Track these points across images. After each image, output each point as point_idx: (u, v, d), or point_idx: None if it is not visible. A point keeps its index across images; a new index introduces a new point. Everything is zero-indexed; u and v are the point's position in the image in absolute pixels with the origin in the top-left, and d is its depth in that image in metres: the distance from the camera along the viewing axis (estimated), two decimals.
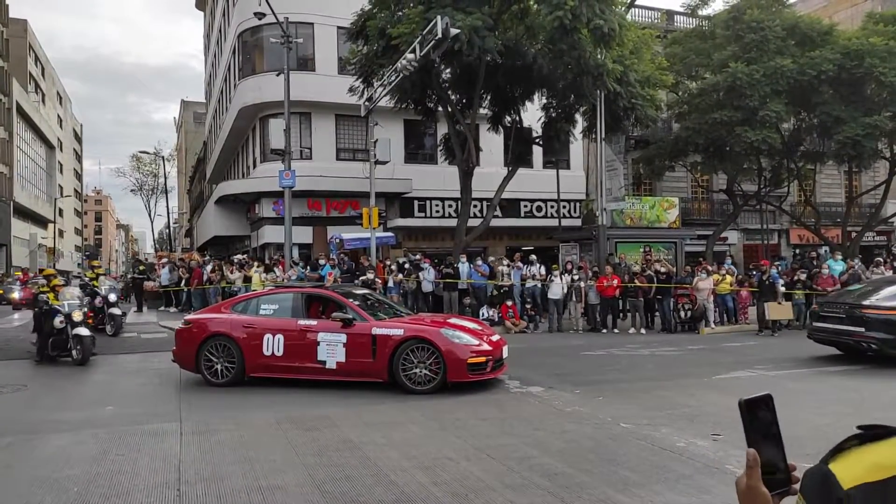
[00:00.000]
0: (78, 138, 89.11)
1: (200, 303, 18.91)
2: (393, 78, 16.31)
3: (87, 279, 16.85)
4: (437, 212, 24.40)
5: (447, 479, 4.95)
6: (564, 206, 24.92)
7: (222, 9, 32.07)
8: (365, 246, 19.01)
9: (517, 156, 20.08)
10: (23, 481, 5.09)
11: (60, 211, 69.99)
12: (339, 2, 21.69)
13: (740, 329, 16.32)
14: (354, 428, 6.57)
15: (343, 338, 8.63)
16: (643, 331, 15.93)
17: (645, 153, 25.05)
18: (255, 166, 25.82)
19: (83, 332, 10.97)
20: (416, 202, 24.19)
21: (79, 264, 76.86)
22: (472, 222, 20.03)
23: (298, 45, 20.49)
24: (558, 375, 9.70)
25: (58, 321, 10.95)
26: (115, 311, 14.92)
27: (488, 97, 19.34)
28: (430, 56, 15.01)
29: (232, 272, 19.03)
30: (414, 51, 14.81)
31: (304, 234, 22.30)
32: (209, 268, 20.43)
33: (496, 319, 15.92)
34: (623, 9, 18.09)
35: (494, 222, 21.48)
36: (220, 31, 33.36)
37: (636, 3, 23.00)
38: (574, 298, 16.55)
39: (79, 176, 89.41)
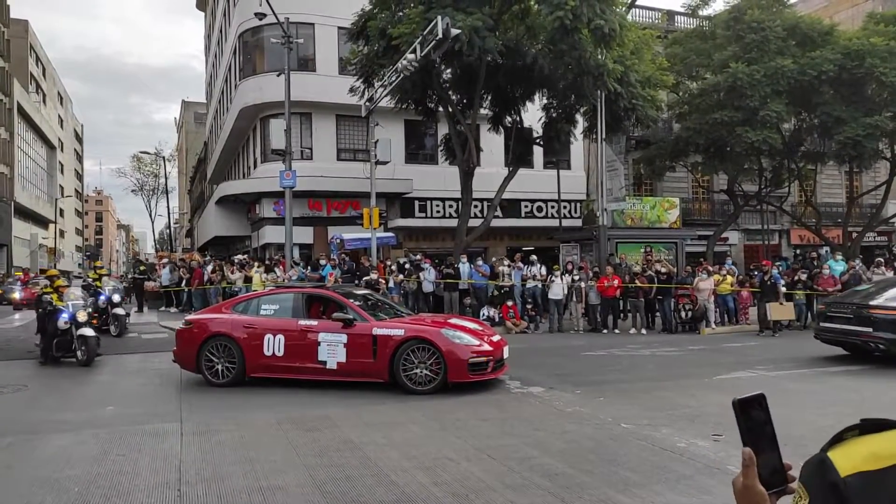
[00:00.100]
0: (79, 139, 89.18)
1: (201, 303, 18.91)
2: (393, 78, 16.31)
3: (90, 280, 16.80)
4: (438, 212, 24.40)
5: (448, 480, 4.95)
6: (565, 207, 24.92)
7: (223, 9, 32.09)
8: (365, 246, 19.02)
9: (518, 156, 20.08)
10: (23, 481, 5.09)
11: (61, 211, 70.04)
12: (339, 2, 21.69)
13: (741, 329, 16.32)
14: (355, 428, 6.57)
15: (344, 338, 8.63)
16: (644, 331, 15.93)
17: (645, 153, 25.04)
18: (255, 166, 25.82)
19: (88, 332, 10.89)
20: (416, 202, 24.19)
21: (79, 264, 76.94)
22: (473, 223, 20.03)
23: (299, 45, 20.49)
24: (559, 376, 9.70)
25: (62, 322, 10.88)
26: (119, 311, 14.85)
27: (489, 97, 19.34)
28: (431, 56, 15.02)
29: (233, 272, 19.03)
30: (414, 51, 14.81)
31: (304, 235, 22.30)
32: (210, 268, 20.44)
33: (497, 319, 15.92)
34: (624, 9, 18.10)
35: (495, 223, 21.49)
36: (221, 31, 33.37)
37: (637, 3, 23.00)
38: (575, 299, 16.55)
39: (80, 176, 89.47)
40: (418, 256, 18.66)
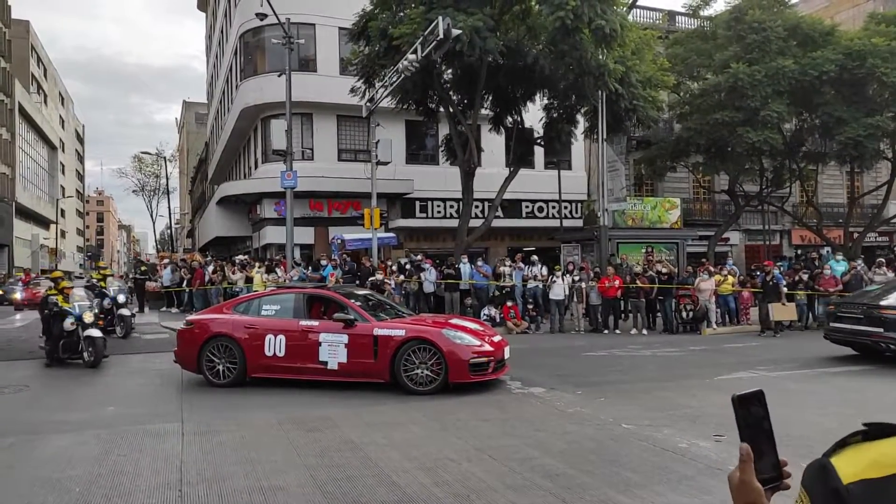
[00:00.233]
0: (80, 139, 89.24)
1: (202, 303, 18.91)
2: (394, 79, 16.32)
3: (94, 280, 16.70)
4: (439, 212, 24.40)
5: (449, 480, 4.95)
6: (566, 207, 24.92)
7: (224, 10, 32.11)
8: (366, 247, 19.02)
9: (519, 156, 20.08)
10: (25, 482, 5.09)
11: (62, 212, 70.12)
12: (340, 2, 21.70)
13: (742, 330, 16.31)
14: (356, 429, 6.57)
15: (345, 338, 8.63)
16: (645, 331, 15.92)
17: (646, 154, 25.04)
18: (256, 167, 25.83)
19: (95, 333, 10.80)
20: (417, 203, 24.20)
21: (80, 265, 77.02)
22: (474, 223, 20.03)
23: (300, 45, 20.50)
24: (560, 376, 9.70)
25: (68, 323, 10.80)
26: (125, 311, 14.73)
27: (490, 98, 19.34)
28: (432, 57, 15.02)
29: (234, 273, 19.04)
30: (415, 51, 14.81)
31: (305, 235, 22.31)
32: (211, 268, 20.44)
33: (498, 320, 15.92)
34: (624, 9, 18.09)
35: (496, 223, 21.49)
36: (222, 31, 33.40)
37: (638, 3, 22.99)
38: (575, 299, 16.54)
39: (81, 177, 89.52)
40: (419, 257, 18.66)
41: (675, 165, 24.39)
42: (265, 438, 6.29)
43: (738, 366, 10.55)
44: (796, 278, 16.36)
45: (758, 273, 16.89)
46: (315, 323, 8.98)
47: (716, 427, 6.38)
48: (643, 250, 19.64)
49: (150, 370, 10.66)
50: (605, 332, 16.01)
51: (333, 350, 8.64)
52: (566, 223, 24.13)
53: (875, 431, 0.99)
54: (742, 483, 1.07)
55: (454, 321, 9.65)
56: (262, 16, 18.48)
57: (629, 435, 6.26)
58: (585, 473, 5.09)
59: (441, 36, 13.77)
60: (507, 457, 5.54)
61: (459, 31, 14.13)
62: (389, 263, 18.62)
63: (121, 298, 14.94)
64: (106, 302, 14.37)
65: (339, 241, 20.00)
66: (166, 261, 24.98)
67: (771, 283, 15.48)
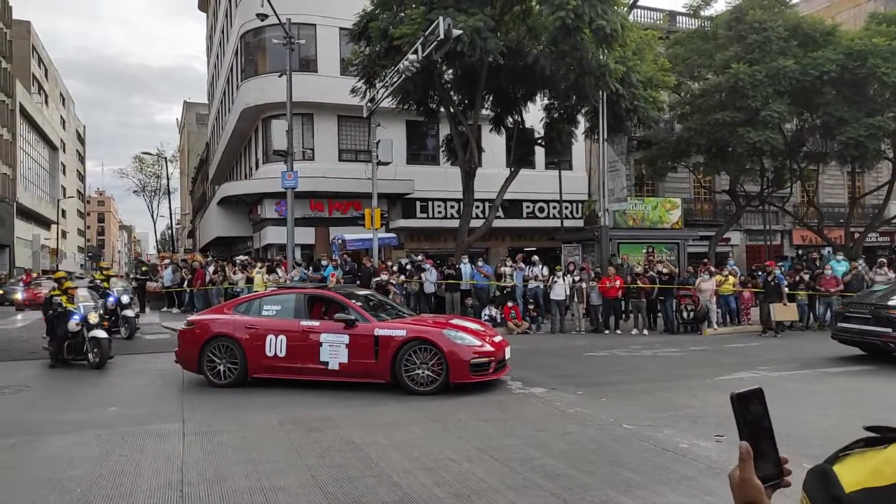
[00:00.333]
0: (81, 139, 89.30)
1: (203, 304, 18.92)
2: (395, 79, 16.32)
3: (98, 281, 16.58)
4: (440, 213, 24.40)
5: (449, 480, 4.95)
6: (567, 207, 24.91)
7: (225, 10, 32.12)
8: (367, 247, 19.02)
9: (519, 157, 20.07)
10: (26, 482, 5.10)
11: (63, 212, 70.15)
12: (340, 3, 21.70)
13: (743, 330, 16.30)
14: (357, 429, 6.57)
15: (346, 339, 8.63)
16: (646, 332, 15.91)
17: (647, 154, 25.03)
18: (257, 167, 25.84)
19: (100, 334, 10.71)
20: (418, 203, 24.20)
21: (81, 265, 77.04)
22: (475, 223, 20.02)
23: (301, 46, 20.50)
24: (561, 376, 9.70)
25: (73, 324, 10.71)
26: (129, 312, 14.63)
27: (490, 98, 19.33)
28: (433, 57, 15.02)
29: (234, 273, 19.05)
30: (416, 52, 14.81)
31: (306, 235, 22.32)
32: (212, 269, 20.45)
33: (498, 320, 15.92)
34: (625, 9, 18.09)
35: (496, 223, 21.48)
36: (223, 32, 33.42)
37: (638, 3, 22.99)
38: (576, 299, 16.54)
39: (82, 177, 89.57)
40: (420, 257, 18.66)
41: (675, 165, 24.38)
42: (266, 439, 6.29)
43: (739, 366, 10.54)
44: (797, 278, 16.35)
45: (760, 273, 16.89)
46: (316, 323, 8.98)
47: (716, 427, 6.37)
48: (644, 250, 19.63)
49: (151, 370, 10.66)
50: (606, 332, 16.00)
51: (334, 350, 8.65)
52: (567, 223, 24.13)
53: (877, 439, 0.99)
54: (742, 481, 1.07)
55: (455, 321, 9.65)
56: (262, 16, 18.49)
57: (630, 435, 6.26)
58: (586, 474, 5.09)
59: (442, 36, 13.77)
60: (508, 457, 5.54)
61: (460, 32, 14.13)
62: (390, 264, 18.62)
63: (125, 299, 14.83)
64: (110, 302, 14.28)
65: (339, 242, 20.00)
66: (167, 261, 25.00)
67: (773, 283, 15.47)
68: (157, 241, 74.53)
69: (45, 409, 7.84)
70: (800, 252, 28.59)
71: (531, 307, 16.57)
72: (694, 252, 23.20)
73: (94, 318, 10.94)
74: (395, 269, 17.66)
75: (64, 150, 70.89)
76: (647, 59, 18.64)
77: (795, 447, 5.05)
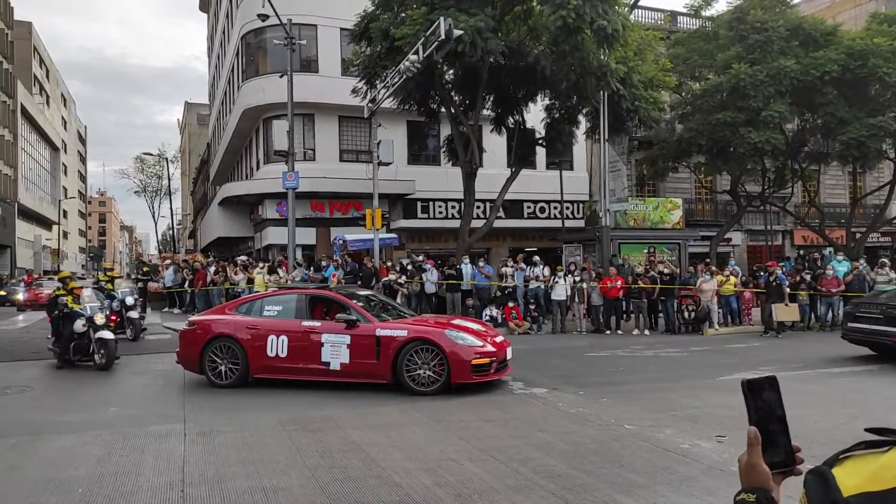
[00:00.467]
0: (82, 140, 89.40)
1: (204, 304, 18.93)
2: (396, 79, 16.32)
3: (102, 282, 16.47)
4: (441, 213, 24.41)
5: (451, 481, 4.95)
6: (568, 208, 24.89)
7: (226, 11, 32.15)
8: (368, 247, 19.02)
9: (520, 157, 20.07)
10: (27, 482, 5.10)
11: (65, 213, 70.24)
12: (341, 3, 21.71)
13: (744, 330, 16.29)
14: (358, 429, 6.57)
15: (347, 339, 8.63)
16: (647, 332, 15.90)
17: (648, 154, 25.02)
18: (258, 168, 25.86)
19: (107, 335, 10.63)
20: (419, 203, 24.21)
21: (83, 266, 77.09)
22: (476, 223, 20.02)
23: (301, 46, 20.51)
24: (562, 377, 9.69)
25: (79, 325, 10.64)
26: (133, 314, 14.54)
27: (491, 98, 19.33)
28: (434, 57, 15.01)
29: (236, 273, 19.05)
30: (417, 52, 14.81)
31: (307, 236, 22.33)
32: (213, 269, 20.45)
33: (499, 320, 15.92)
34: (626, 9, 18.08)
35: (497, 223, 21.48)
36: (224, 32, 33.44)
37: (639, 4, 22.98)
38: (577, 300, 16.53)
39: (83, 178, 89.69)
40: (421, 257, 18.67)
41: (676, 166, 24.38)
42: (267, 439, 6.29)
43: (740, 366, 10.53)
44: (798, 279, 16.34)
45: (761, 273, 16.88)
46: (317, 324, 8.98)
47: (718, 428, 6.37)
48: (645, 251, 19.62)
49: (152, 371, 10.66)
50: (607, 332, 15.99)
51: (336, 351, 8.65)
52: (568, 224, 24.12)
53: (877, 442, 0.99)
54: (749, 465, 1.10)
55: (456, 322, 9.65)
56: (263, 17, 18.50)
57: (631, 436, 6.26)
58: (587, 474, 5.09)
59: (443, 36, 13.76)
60: (510, 457, 5.54)
61: (461, 32, 14.12)
62: (390, 264, 18.63)
63: (129, 301, 14.76)
64: (114, 304, 14.12)
65: (340, 242, 20.01)
66: (168, 261, 24.99)
67: (774, 283, 15.46)
68: (158, 242, 74.59)
69: (46, 410, 7.84)
70: (801, 252, 28.58)
71: (532, 307, 16.57)
72: (695, 252, 23.19)
73: (100, 319, 10.85)
74: (397, 269, 17.68)
75: (65, 151, 70.98)
76: (648, 60, 18.63)
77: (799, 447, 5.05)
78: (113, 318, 12.91)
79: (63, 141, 69.55)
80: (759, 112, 19.45)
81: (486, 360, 8.47)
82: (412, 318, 9.80)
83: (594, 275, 16.83)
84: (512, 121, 19.91)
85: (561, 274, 16.71)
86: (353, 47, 19.95)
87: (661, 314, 16.84)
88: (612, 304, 16.22)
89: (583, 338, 15.40)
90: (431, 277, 17.13)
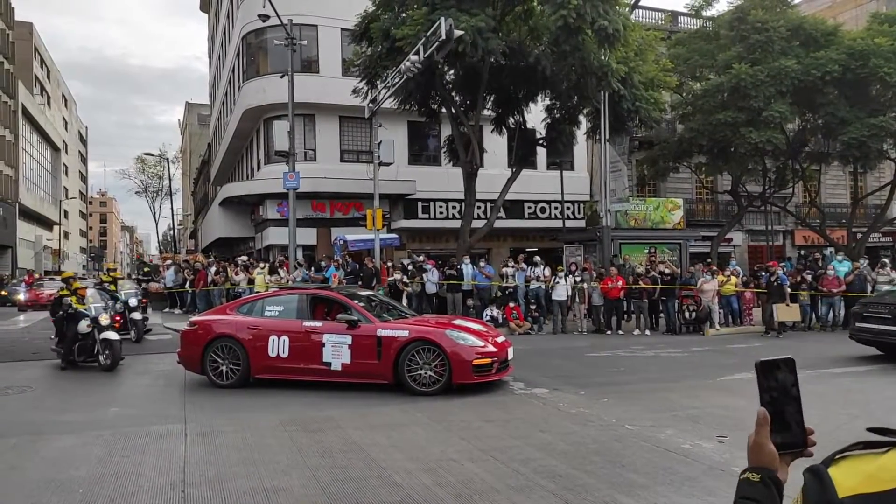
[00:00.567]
0: (83, 140, 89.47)
1: (205, 304, 18.94)
2: (397, 80, 16.33)
3: (105, 283, 16.40)
4: (441, 213, 24.41)
5: (451, 481, 4.95)
6: (568, 208, 24.88)
7: (226, 11, 32.17)
8: (369, 248, 19.03)
9: (521, 157, 20.06)
10: (28, 482, 5.10)
11: (66, 213, 70.27)
12: (342, 4, 21.72)
13: (745, 331, 16.28)
14: (359, 430, 6.57)
15: (348, 339, 8.63)
16: (647, 332, 15.90)
17: (649, 154, 25.02)
18: (259, 168, 25.87)
19: (112, 336, 10.56)
20: (419, 203, 24.21)
21: (84, 266, 77.13)
22: (476, 224, 20.02)
23: (302, 47, 20.52)
24: (563, 377, 9.69)
25: (84, 325, 10.56)
26: (136, 315, 14.48)
27: (492, 98, 19.33)
28: (434, 58, 15.01)
29: (236, 274, 19.06)
30: (418, 52, 14.80)
31: (308, 236, 22.34)
32: (213, 269, 20.46)
33: (500, 320, 15.92)
34: (627, 9, 18.08)
35: (498, 224, 21.48)
36: (225, 33, 33.46)
37: (640, 4, 22.98)
38: (578, 300, 16.53)
39: (84, 178, 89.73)
40: (421, 258, 18.67)
41: (677, 166, 24.37)
42: (268, 439, 6.29)
43: (741, 367, 10.52)
44: (799, 279, 16.34)
45: (762, 273, 16.87)
46: (318, 324, 8.98)
47: (719, 428, 6.37)
48: (646, 251, 19.61)
49: (153, 371, 10.66)
50: (608, 332, 15.99)
51: (337, 351, 8.65)
52: (569, 224, 24.12)
53: (875, 443, 0.98)
54: (756, 444, 1.12)
55: (458, 322, 9.65)
56: (264, 17, 18.50)
57: (632, 436, 6.26)
58: (588, 474, 5.08)
59: (443, 37, 13.76)
60: (510, 458, 5.54)
61: (462, 32, 14.12)
62: (391, 265, 18.63)
63: (132, 302, 14.73)
64: (118, 306, 14.01)
65: (341, 243, 20.01)
66: (169, 262, 25.01)
67: (775, 283, 15.46)
68: (159, 242, 74.67)
69: (47, 410, 7.84)
70: (802, 252, 28.58)
71: (533, 308, 16.57)
72: (696, 252, 23.19)
73: (105, 319, 10.77)
74: (401, 268, 17.70)
75: (66, 151, 71.02)
76: (649, 60, 18.63)
77: None
78: (117, 318, 12.86)
79: (64, 141, 69.60)
80: (759, 112, 19.44)
81: (488, 360, 8.47)
82: (413, 318, 9.80)
83: (595, 275, 16.83)
84: (512, 121, 19.91)
85: (562, 274, 16.70)
86: (354, 47, 19.96)
87: (661, 314, 16.83)
88: (613, 305, 16.22)
89: (584, 338, 15.39)
90: (432, 278, 17.14)
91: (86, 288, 12.02)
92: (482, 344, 8.58)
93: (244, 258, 21.17)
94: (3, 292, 32.11)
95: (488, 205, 21.39)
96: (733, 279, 16.84)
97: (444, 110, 19.58)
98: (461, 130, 18.94)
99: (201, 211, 49.00)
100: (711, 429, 6.40)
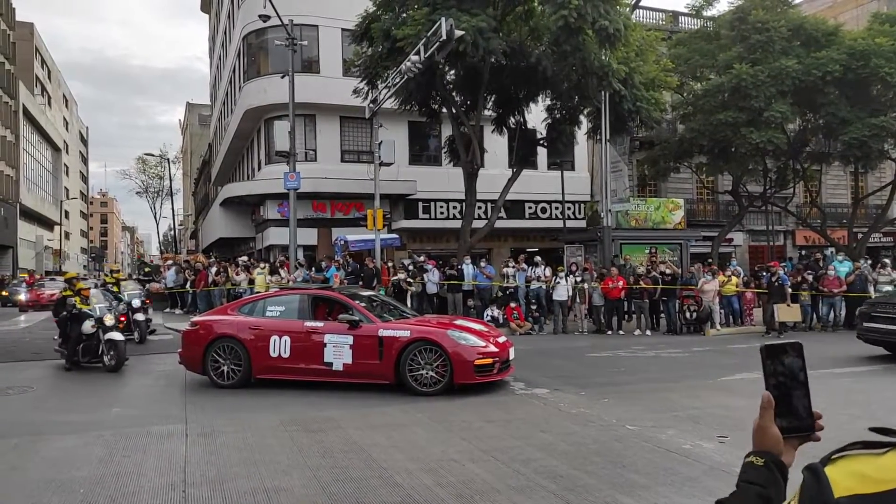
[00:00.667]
0: (84, 141, 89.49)
1: (206, 304, 18.93)
2: (397, 80, 16.33)
3: (108, 284, 16.35)
4: (442, 213, 24.41)
5: (452, 481, 4.95)
6: (569, 208, 24.88)
7: (227, 12, 32.19)
8: (370, 248, 19.03)
9: (521, 157, 20.06)
10: (29, 483, 5.11)
11: (66, 213, 70.30)
12: (343, 4, 21.71)
13: (746, 331, 16.27)
14: (360, 430, 6.58)
15: (350, 339, 8.63)
16: (648, 332, 15.90)
17: (650, 154, 25.01)
18: (259, 168, 25.88)
19: (116, 336, 10.52)
20: (420, 204, 24.21)
21: (84, 266, 77.17)
22: (477, 224, 20.02)
23: (303, 47, 20.54)
24: (564, 377, 9.69)
25: (88, 326, 10.52)
26: (139, 316, 14.45)
27: (493, 99, 19.34)
28: (435, 58, 15.01)
29: (237, 274, 19.06)
30: (418, 52, 14.80)
31: (308, 236, 22.33)
32: (214, 270, 20.47)
33: (501, 320, 15.92)
34: (628, 9, 18.08)
35: (499, 224, 21.47)
36: (226, 33, 33.47)
37: (640, 4, 22.97)
38: (579, 300, 16.53)
39: (85, 178, 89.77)
40: (422, 258, 18.67)
41: (678, 166, 24.37)
42: (269, 440, 6.30)
43: (741, 367, 10.51)
44: (800, 279, 16.33)
45: (763, 274, 16.87)
46: (320, 324, 8.98)
47: (719, 428, 6.37)
48: (647, 251, 19.61)
49: (154, 371, 10.67)
50: (609, 332, 15.99)
51: (338, 351, 8.65)
52: (569, 224, 24.12)
53: (874, 443, 0.98)
54: (760, 428, 1.14)
55: (459, 322, 9.65)
56: (265, 17, 18.51)
57: (633, 436, 6.25)
58: (589, 475, 5.08)
59: (444, 37, 13.75)
60: (511, 458, 5.54)
61: (462, 32, 14.12)
62: (392, 265, 18.63)
63: (136, 303, 14.69)
64: (121, 307, 13.95)
65: (342, 243, 20.01)
66: (170, 262, 25.02)
67: (776, 283, 15.45)
68: (159, 242, 74.70)
69: (48, 410, 7.85)
70: (803, 252, 28.57)
71: (533, 308, 16.56)
72: (697, 252, 23.19)
73: (109, 320, 10.72)
74: (404, 268, 17.71)
75: (67, 152, 71.04)
76: (650, 60, 18.63)
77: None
78: (122, 319, 12.85)
79: (65, 142, 69.62)
80: (760, 112, 19.43)
81: (489, 360, 8.47)
82: (414, 318, 9.80)
83: (596, 275, 16.82)
84: (513, 121, 19.91)
85: (562, 274, 16.70)
86: (355, 48, 19.96)
87: (662, 315, 16.83)
88: (614, 305, 16.21)
89: (584, 338, 15.39)
90: (433, 278, 17.14)
91: (89, 288, 11.98)
92: (484, 344, 8.58)
93: (245, 258, 21.18)
94: (4, 293, 32.15)
95: (489, 205, 21.40)
96: (734, 279, 16.83)
97: (444, 110, 19.58)
98: (462, 130, 18.94)
99: (202, 211, 49.01)
100: (712, 429, 6.39)
